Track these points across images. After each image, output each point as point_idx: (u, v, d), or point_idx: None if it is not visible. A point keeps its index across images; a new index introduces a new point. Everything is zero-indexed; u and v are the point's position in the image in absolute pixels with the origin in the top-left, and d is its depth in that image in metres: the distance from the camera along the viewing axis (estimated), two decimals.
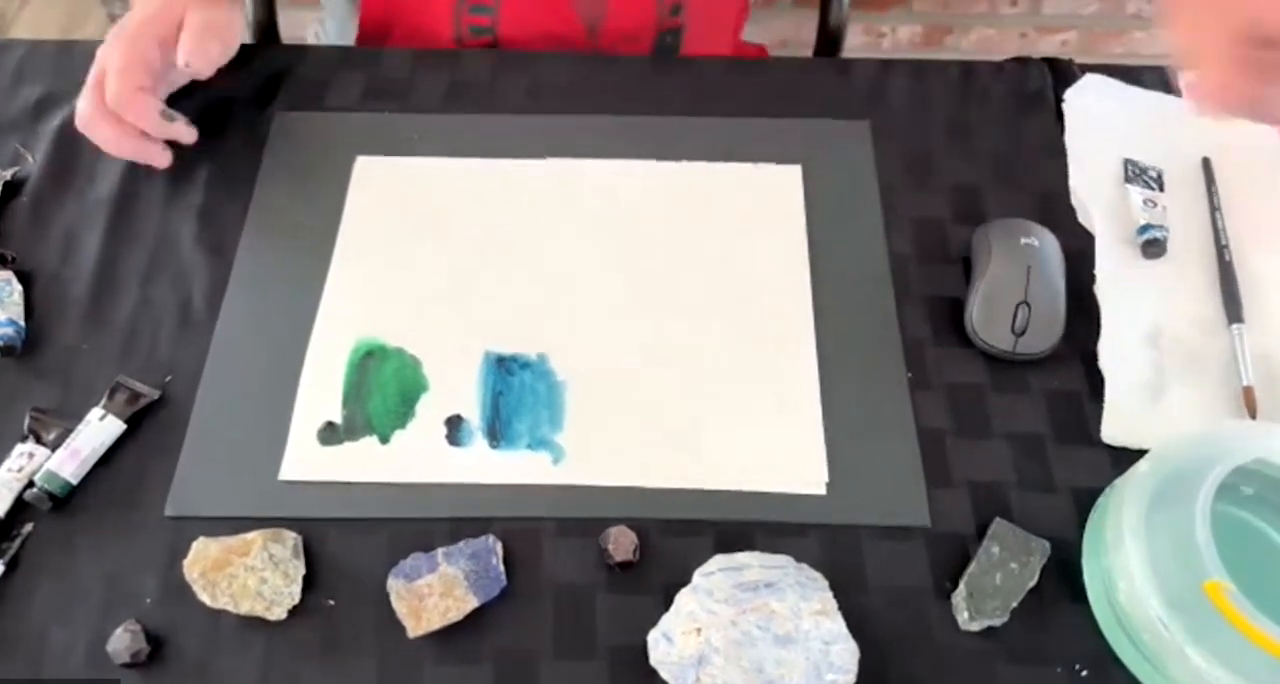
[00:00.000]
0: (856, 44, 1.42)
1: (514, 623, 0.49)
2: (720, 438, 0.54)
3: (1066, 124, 0.66)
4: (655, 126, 0.66)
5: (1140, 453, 0.49)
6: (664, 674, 0.46)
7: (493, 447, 0.54)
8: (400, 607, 0.48)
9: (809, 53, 0.96)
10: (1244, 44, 0.50)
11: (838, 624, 0.47)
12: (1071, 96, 0.67)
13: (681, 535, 0.51)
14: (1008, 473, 0.54)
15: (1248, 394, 0.55)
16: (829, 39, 0.92)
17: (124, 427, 0.53)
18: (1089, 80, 0.68)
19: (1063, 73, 0.69)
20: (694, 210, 0.63)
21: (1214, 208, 0.62)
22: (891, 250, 0.61)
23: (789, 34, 1.41)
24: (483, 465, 0.53)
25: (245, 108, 0.67)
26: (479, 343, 0.57)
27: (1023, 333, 0.56)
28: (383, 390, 0.55)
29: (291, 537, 0.50)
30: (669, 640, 0.47)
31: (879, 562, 0.51)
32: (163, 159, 0.62)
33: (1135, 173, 0.64)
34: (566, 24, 0.75)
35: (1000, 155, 0.65)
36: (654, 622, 0.48)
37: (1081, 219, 0.63)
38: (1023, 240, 0.58)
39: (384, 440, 0.54)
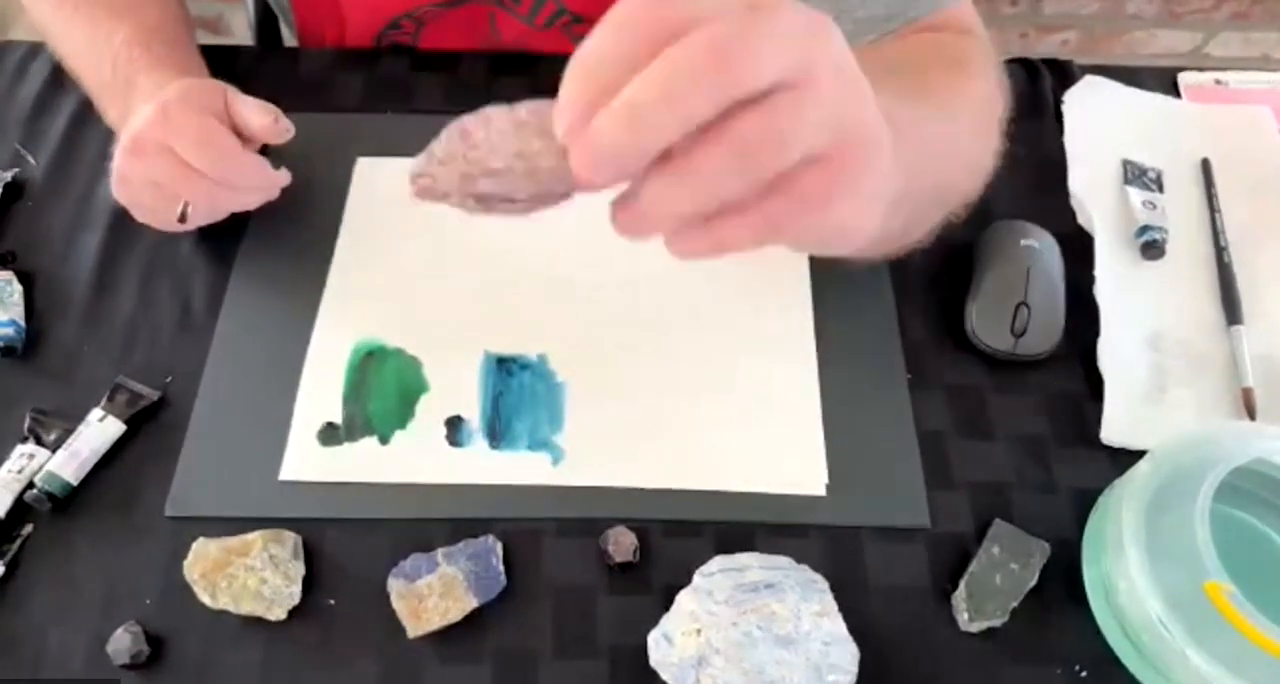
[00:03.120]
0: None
1: (514, 624, 0.49)
2: (720, 438, 0.54)
3: (1066, 125, 0.66)
4: None
5: (1140, 454, 0.49)
6: (664, 675, 0.46)
7: (493, 447, 0.54)
8: (400, 607, 0.48)
9: None
10: None
11: (838, 625, 0.47)
12: (1071, 98, 0.67)
13: (681, 536, 0.51)
14: (1008, 474, 0.54)
15: (1247, 395, 0.55)
16: None
17: (124, 427, 0.53)
18: (1089, 81, 0.68)
19: (1062, 74, 0.69)
20: None
21: (1213, 209, 0.62)
22: None
23: None
24: (483, 466, 0.53)
25: None
26: (479, 343, 0.57)
27: (1022, 334, 0.56)
28: (383, 391, 0.55)
29: (291, 537, 0.50)
30: (669, 641, 0.47)
31: (879, 563, 0.51)
32: (271, 192, 0.57)
33: (1135, 174, 0.64)
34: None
35: (1000, 156, 0.65)
36: (654, 622, 0.48)
37: (1081, 220, 0.62)
38: (1022, 242, 0.58)
39: (384, 441, 0.54)
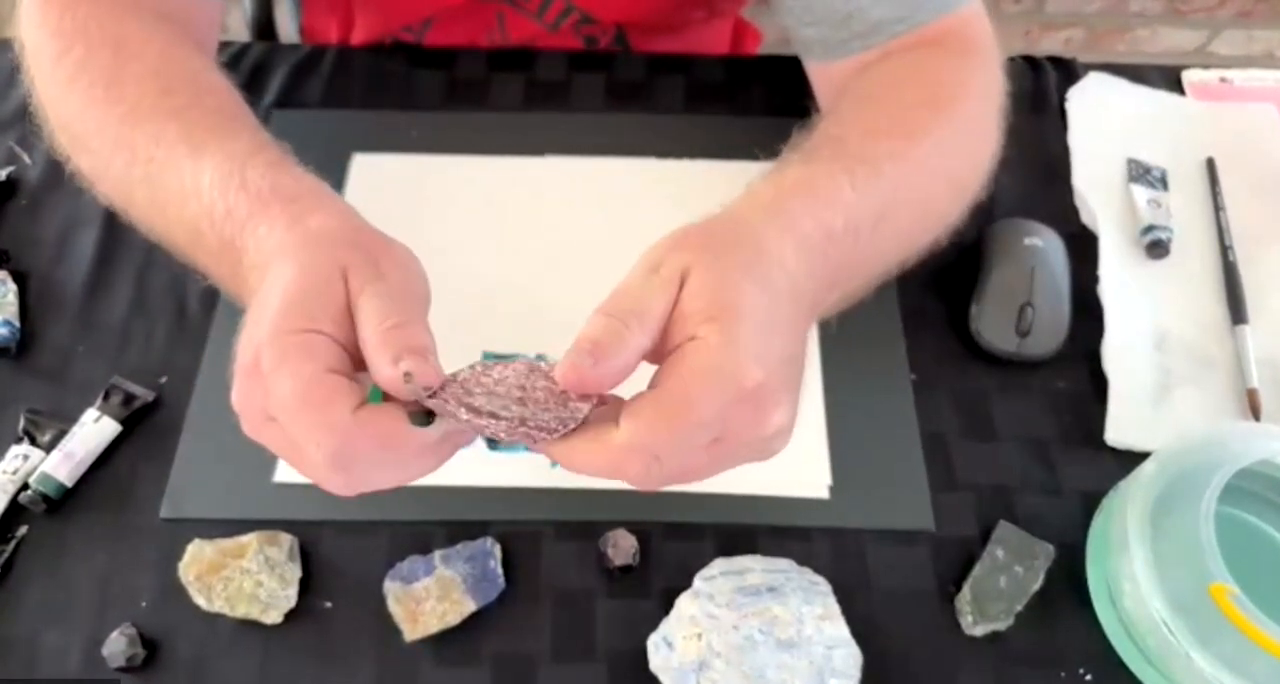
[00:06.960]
0: None
1: (512, 627, 0.49)
2: None
3: (1070, 123, 0.66)
4: (655, 124, 0.66)
5: (1145, 455, 0.49)
6: (664, 680, 0.46)
7: (491, 448, 0.53)
8: (397, 610, 0.48)
9: None
10: None
11: (841, 629, 0.46)
12: (1075, 95, 0.67)
13: (682, 539, 0.51)
14: (1012, 476, 0.53)
15: (1252, 396, 0.54)
16: None
17: (119, 428, 0.53)
18: (1093, 79, 0.68)
19: (1066, 71, 0.69)
20: (695, 209, 0.62)
21: (1218, 208, 0.62)
22: None
23: None
24: (481, 467, 0.53)
25: None
26: (476, 342, 0.57)
27: (1027, 334, 0.55)
28: (378, 391, 0.55)
29: (287, 539, 0.50)
30: (669, 645, 0.46)
31: (883, 565, 0.50)
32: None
33: (1139, 172, 0.63)
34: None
35: (1003, 154, 0.65)
36: (654, 626, 0.47)
37: (1085, 219, 0.62)
38: (1026, 241, 0.58)
39: None
